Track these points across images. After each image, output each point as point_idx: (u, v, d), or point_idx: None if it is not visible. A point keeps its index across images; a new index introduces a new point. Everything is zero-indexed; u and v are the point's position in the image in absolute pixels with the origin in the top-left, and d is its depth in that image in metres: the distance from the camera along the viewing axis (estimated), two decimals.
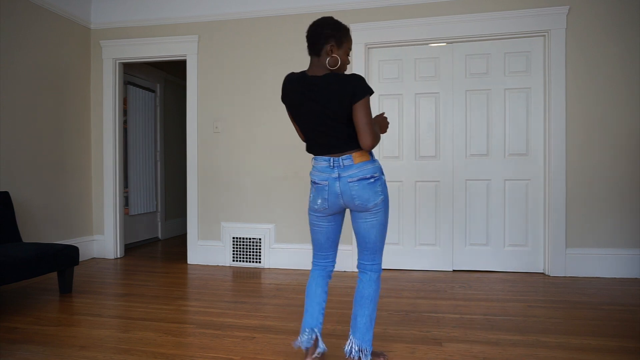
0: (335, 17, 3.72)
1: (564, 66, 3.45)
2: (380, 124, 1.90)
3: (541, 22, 3.47)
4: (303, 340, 1.81)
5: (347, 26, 1.82)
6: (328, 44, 1.74)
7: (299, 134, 1.95)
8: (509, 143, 3.63)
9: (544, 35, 3.52)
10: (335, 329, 2.33)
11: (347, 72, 3.52)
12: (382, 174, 1.81)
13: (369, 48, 3.79)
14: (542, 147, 3.57)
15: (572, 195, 3.47)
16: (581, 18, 3.44)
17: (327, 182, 1.78)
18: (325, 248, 1.93)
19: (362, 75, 3.42)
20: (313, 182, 1.84)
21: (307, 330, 1.82)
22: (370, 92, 1.69)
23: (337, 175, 1.76)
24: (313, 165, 1.85)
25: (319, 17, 3.77)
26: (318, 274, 1.93)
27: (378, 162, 1.82)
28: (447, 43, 3.70)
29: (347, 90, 1.67)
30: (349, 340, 1.80)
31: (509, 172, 3.62)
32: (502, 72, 3.62)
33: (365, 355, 1.77)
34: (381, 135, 1.77)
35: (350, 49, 1.82)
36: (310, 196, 1.88)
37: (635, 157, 3.40)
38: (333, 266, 1.98)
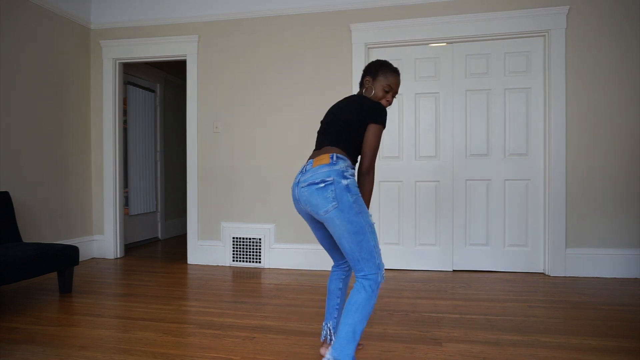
0: (335, 17, 3.79)
1: (564, 66, 3.45)
2: None
3: (541, 22, 3.47)
4: (322, 333, 1.99)
5: (387, 67, 1.93)
6: (365, 78, 1.95)
7: None
8: (509, 143, 3.63)
9: (544, 35, 3.52)
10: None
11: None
12: (344, 178, 1.65)
13: (369, 48, 3.79)
14: (542, 147, 3.57)
15: (572, 195, 3.47)
16: (581, 18, 3.44)
17: (292, 188, 1.81)
18: (327, 250, 1.96)
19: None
20: None
21: (323, 325, 1.99)
22: (384, 124, 1.79)
23: (297, 181, 1.75)
24: None
25: (319, 16, 3.80)
26: (333, 271, 2.00)
27: (344, 166, 1.69)
28: (447, 43, 3.70)
29: (366, 110, 1.78)
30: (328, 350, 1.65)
31: (509, 172, 3.62)
32: (502, 72, 3.62)
33: None
34: (379, 145, 1.81)
35: (388, 86, 1.90)
36: None
37: (635, 157, 3.40)
38: (347, 266, 1.96)
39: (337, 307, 1.96)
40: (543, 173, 3.58)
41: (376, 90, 1.91)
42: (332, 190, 1.62)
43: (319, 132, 1.90)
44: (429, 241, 3.74)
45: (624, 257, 3.40)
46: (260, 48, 3.95)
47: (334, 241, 1.91)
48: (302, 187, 1.69)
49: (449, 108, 3.70)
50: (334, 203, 1.61)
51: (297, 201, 1.78)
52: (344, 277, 1.97)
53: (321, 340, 2.01)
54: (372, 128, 1.77)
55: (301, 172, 1.76)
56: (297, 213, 3.86)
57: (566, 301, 2.81)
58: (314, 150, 1.86)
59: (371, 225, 1.66)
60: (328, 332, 1.95)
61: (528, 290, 3.07)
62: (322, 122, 1.93)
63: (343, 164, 1.70)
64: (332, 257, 1.97)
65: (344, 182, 1.64)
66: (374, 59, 3.79)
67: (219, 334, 2.27)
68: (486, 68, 3.65)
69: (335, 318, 1.96)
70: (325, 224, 1.68)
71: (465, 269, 3.69)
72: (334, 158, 1.69)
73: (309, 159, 1.81)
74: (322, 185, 1.63)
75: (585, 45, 3.44)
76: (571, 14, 3.45)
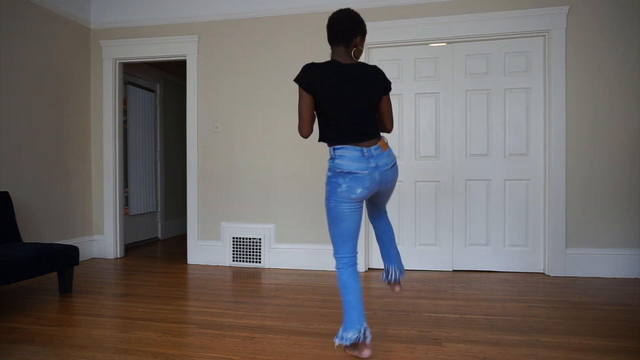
0: None
1: (564, 66, 3.45)
2: None
3: (541, 22, 3.47)
4: (353, 337, 1.84)
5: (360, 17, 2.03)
6: (357, 37, 1.95)
7: (302, 123, 1.90)
8: (509, 143, 3.62)
9: (544, 35, 3.52)
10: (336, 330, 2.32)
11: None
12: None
13: (369, 48, 3.79)
14: (542, 147, 3.57)
15: (572, 196, 3.47)
16: (581, 18, 3.44)
17: (367, 172, 1.86)
18: (356, 235, 1.94)
19: None
20: (348, 172, 1.83)
21: (358, 327, 1.85)
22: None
23: (375, 165, 1.88)
24: (340, 155, 1.85)
25: (319, 16, 3.80)
26: (352, 268, 1.93)
27: None
28: (447, 43, 3.70)
29: (383, 82, 1.98)
30: (387, 269, 2.21)
31: (509, 172, 3.62)
32: (502, 72, 3.62)
33: (402, 273, 2.22)
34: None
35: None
36: (339, 187, 1.85)
37: (635, 157, 3.40)
38: (353, 257, 1.95)
39: (360, 299, 1.90)
40: (543, 173, 3.57)
41: (362, 49, 2.01)
42: (397, 166, 2.02)
43: (344, 120, 1.88)
44: (429, 241, 3.74)
45: (624, 257, 3.40)
46: (261, 48, 3.95)
47: (359, 227, 1.95)
48: (387, 170, 1.92)
49: (449, 108, 3.69)
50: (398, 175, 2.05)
51: (376, 183, 1.90)
52: (355, 270, 1.94)
53: (349, 343, 1.87)
54: (388, 97, 2.04)
55: (371, 156, 1.88)
56: (297, 213, 3.86)
57: (566, 301, 2.81)
58: (358, 138, 1.89)
59: None
60: (362, 333, 1.86)
61: (528, 290, 3.07)
62: (343, 105, 1.88)
63: None
64: (346, 245, 1.92)
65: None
66: (375, 60, 3.81)
67: (219, 334, 2.27)
68: (486, 68, 3.65)
69: (364, 312, 1.91)
70: (384, 193, 2.02)
71: (465, 269, 3.69)
72: (387, 141, 2.01)
73: (349, 142, 1.88)
74: (395, 162, 1.99)
75: (585, 45, 3.44)
76: (571, 14, 3.45)
